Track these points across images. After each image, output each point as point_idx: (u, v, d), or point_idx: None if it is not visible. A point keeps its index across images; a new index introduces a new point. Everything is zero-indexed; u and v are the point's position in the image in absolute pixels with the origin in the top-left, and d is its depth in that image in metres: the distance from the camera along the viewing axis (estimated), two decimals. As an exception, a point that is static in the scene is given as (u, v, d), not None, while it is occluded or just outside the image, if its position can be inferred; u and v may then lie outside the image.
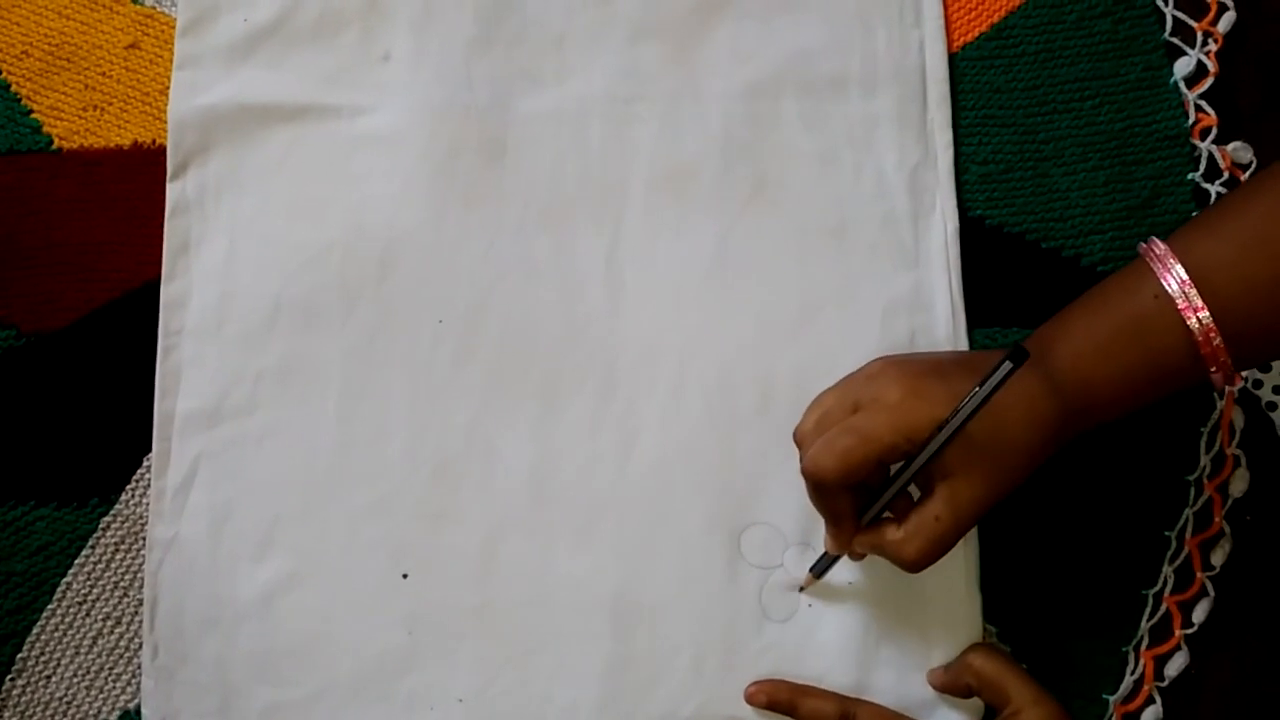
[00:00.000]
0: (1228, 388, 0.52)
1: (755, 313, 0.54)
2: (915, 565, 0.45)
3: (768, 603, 0.52)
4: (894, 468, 0.45)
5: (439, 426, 0.53)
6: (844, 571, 0.52)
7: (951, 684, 0.50)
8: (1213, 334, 0.42)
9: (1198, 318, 0.42)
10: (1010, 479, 0.44)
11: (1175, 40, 0.56)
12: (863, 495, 0.46)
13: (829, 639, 0.51)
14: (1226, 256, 0.43)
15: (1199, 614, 0.52)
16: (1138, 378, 0.44)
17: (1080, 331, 0.45)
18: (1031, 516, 0.53)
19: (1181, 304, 0.43)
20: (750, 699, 0.51)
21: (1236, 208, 0.44)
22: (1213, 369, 0.43)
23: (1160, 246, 0.44)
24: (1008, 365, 0.42)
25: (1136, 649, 0.52)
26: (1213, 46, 0.56)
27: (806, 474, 0.45)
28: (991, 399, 0.43)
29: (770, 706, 0.51)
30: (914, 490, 0.46)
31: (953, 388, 0.43)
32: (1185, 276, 0.43)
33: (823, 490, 0.46)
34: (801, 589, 0.52)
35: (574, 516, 0.53)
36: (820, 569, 0.50)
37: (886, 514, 0.46)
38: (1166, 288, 0.43)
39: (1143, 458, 0.53)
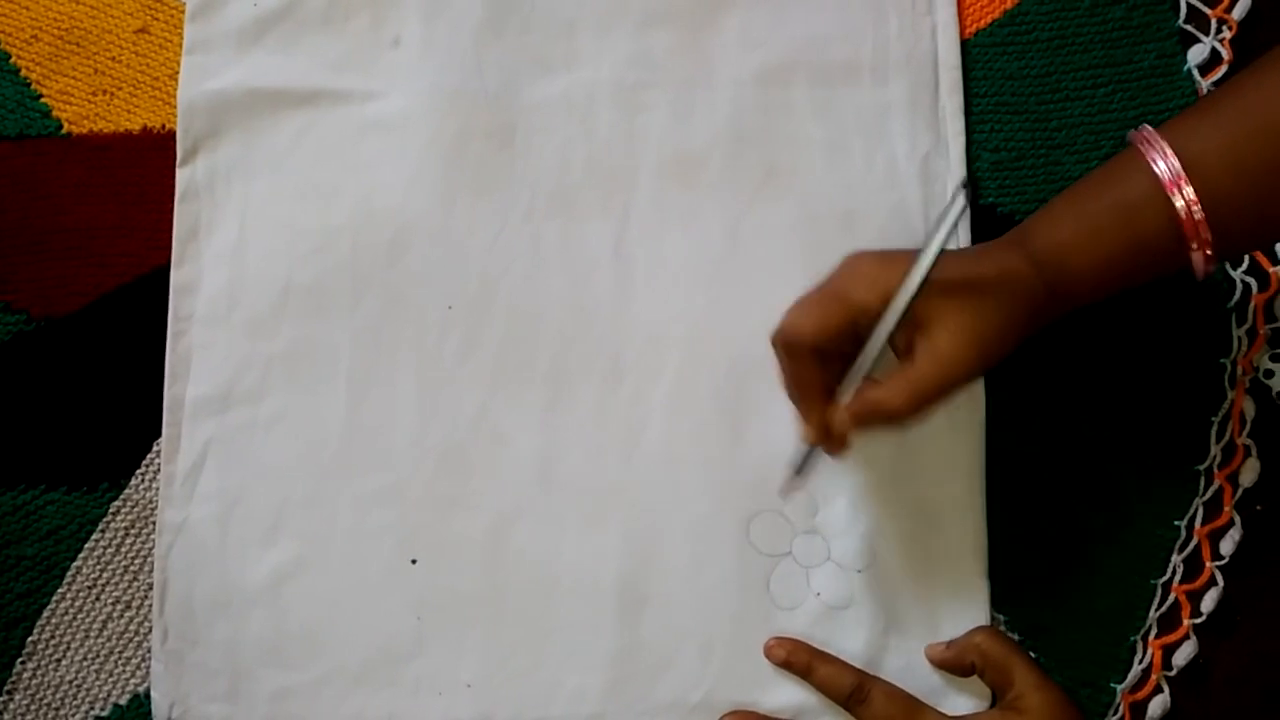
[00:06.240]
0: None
1: (764, 301, 0.53)
2: (900, 411, 0.44)
3: (776, 590, 0.52)
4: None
5: (447, 412, 0.53)
6: (854, 560, 0.52)
7: (954, 661, 0.51)
8: (1199, 219, 0.42)
9: (1185, 200, 0.42)
10: (987, 340, 0.43)
11: (1189, 27, 0.56)
12: (831, 380, 0.45)
13: (837, 627, 0.51)
14: (1217, 143, 0.43)
15: (1208, 603, 0.52)
16: (1121, 261, 0.44)
17: (1066, 215, 0.45)
18: (1040, 506, 0.53)
19: (1171, 188, 0.42)
20: (768, 652, 0.51)
21: (1228, 96, 0.44)
22: (1195, 255, 0.43)
23: (1150, 132, 0.44)
24: (961, 197, 0.42)
25: (1145, 638, 0.52)
26: (1227, 34, 0.55)
27: (782, 336, 0.45)
28: (968, 270, 0.43)
29: (786, 665, 0.51)
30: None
31: None
32: (1175, 160, 0.43)
33: (796, 355, 0.45)
34: (783, 493, 0.51)
35: (582, 503, 0.53)
36: (802, 465, 0.48)
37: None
38: (1155, 171, 0.43)
39: (1153, 447, 0.53)
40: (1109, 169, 0.45)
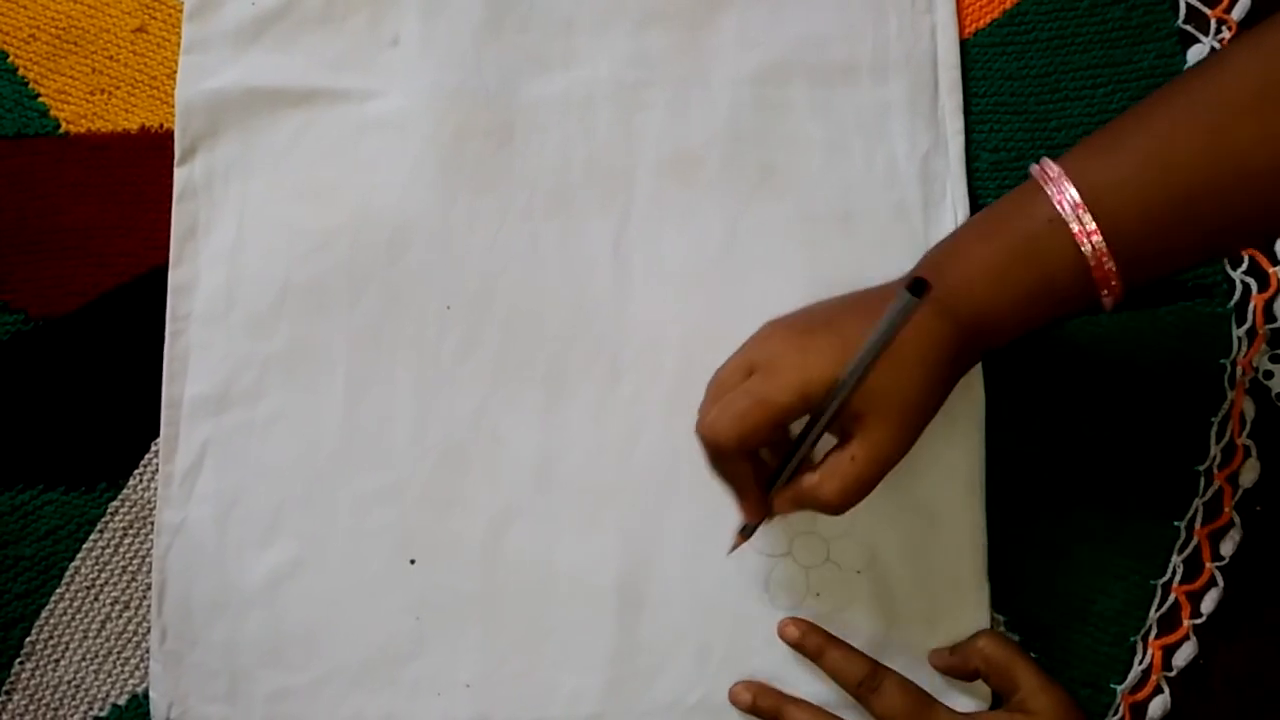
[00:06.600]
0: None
1: (763, 301, 0.53)
2: (835, 506, 0.43)
3: (775, 591, 0.52)
4: (795, 427, 0.45)
5: (446, 412, 0.53)
6: (853, 560, 0.52)
7: (958, 666, 0.50)
8: (1105, 258, 0.41)
9: (1090, 241, 0.41)
10: (918, 412, 0.43)
11: (1188, 27, 0.56)
12: (761, 464, 0.46)
13: (836, 627, 0.51)
14: (1120, 176, 0.41)
15: (1208, 604, 0.52)
16: (1030, 301, 0.43)
17: (972, 256, 0.44)
18: (1040, 506, 0.53)
19: (1075, 227, 0.41)
20: (782, 631, 0.51)
21: (1130, 127, 0.43)
22: (1104, 292, 0.42)
23: (1054, 168, 0.43)
24: (909, 299, 0.41)
25: (1145, 639, 0.52)
26: (1226, 34, 0.55)
27: (703, 438, 0.45)
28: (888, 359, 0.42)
29: (799, 646, 0.50)
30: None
31: (846, 337, 0.42)
32: (1078, 198, 0.41)
33: (721, 456, 0.45)
34: (729, 554, 0.50)
35: (580, 503, 0.53)
36: (748, 531, 0.49)
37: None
38: (1059, 210, 0.42)
39: (1153, 447, 0.53)
40: (1013, 205, 0.44)
